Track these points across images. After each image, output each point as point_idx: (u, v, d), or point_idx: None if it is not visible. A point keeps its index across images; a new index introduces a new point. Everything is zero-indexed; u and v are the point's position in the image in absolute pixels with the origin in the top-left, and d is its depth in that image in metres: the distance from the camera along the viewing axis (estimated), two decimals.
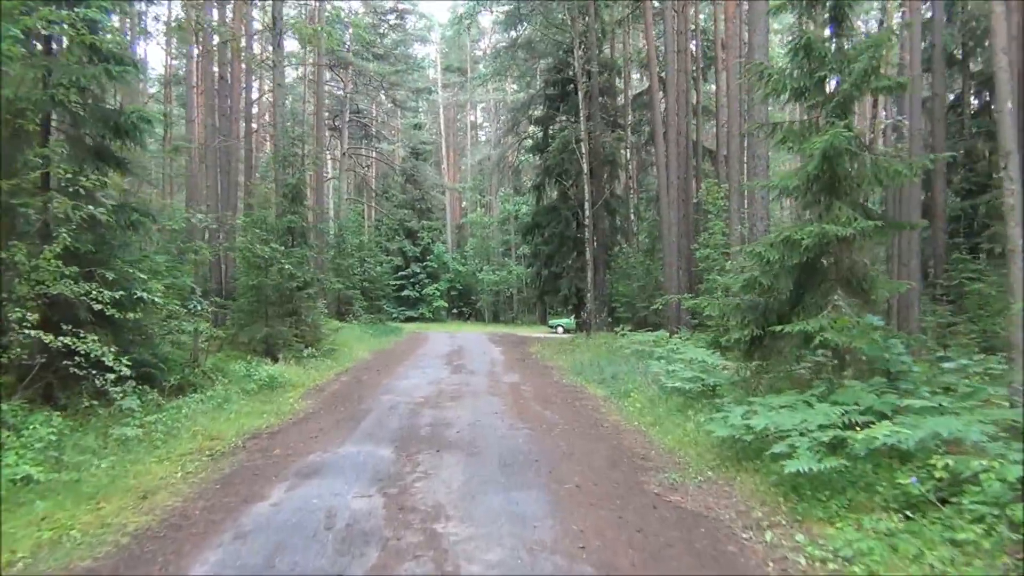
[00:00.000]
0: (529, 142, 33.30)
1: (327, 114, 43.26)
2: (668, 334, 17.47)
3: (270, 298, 16.17)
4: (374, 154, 46.39)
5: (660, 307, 17.91)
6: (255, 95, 32.98)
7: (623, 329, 21.93)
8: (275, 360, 15.68)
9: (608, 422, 9.94)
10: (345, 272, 32.86)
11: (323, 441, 8.59)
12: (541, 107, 31.43)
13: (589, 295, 21.33)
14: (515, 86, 51.43)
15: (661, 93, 23.64)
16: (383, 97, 44.81)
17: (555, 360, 18.93)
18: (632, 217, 31.07)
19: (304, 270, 18.50)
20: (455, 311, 55.55)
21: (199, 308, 12.91)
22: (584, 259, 29.05)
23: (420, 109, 56.01)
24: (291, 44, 42.58)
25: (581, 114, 23.78)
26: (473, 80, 52.34)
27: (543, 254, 30.69)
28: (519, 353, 22.16)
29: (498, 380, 14.67)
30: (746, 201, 13.82)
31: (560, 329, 43.21)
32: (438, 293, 52.28)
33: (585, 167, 21.71)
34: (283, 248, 16.33)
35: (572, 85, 29.46)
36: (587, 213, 21.49)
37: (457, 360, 19.24)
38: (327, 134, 43.24)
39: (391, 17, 42.61)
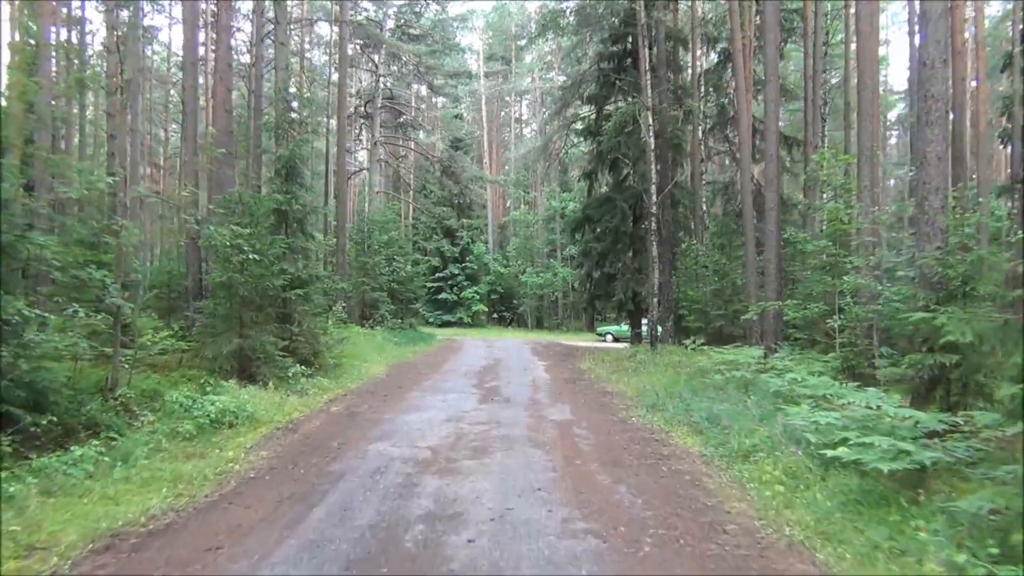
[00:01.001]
0: (579, 125, 29.17)
1: (357, 100, 39.87)
2: (764, 351, 13.31)
3: (246, 300, 12.38)
4: (411, 144, 42.68)
5: (754, 316, 13.71)
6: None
7: (695, 342, 17.86)
8: (250, 381, 11.93)
9: (731, 518, 5.82)
10: (371, 272, 29.21)
11: (218, 564, 4.71)
12: (594, 85, 27.32)
13: (654, 300, 17.25)
14: (562, 77, 47.55)
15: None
16: (417, 82, 41.04)
17: (616, 383, 14.85)
18: (703, 209, 26.74)
19: (299, 265, 14.77)
20: (495, 316, 51.75)
21: (122, 308, 9.12)
22: (643, 258, 24.91)
23: (460, 99, 52.30)
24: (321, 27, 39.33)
25: (646, 82, 19.63)
26: (520, 47, 48.38)
27: (594, 253, 26.59)
28: (568, 370, 18.13)
29: (542, 416, 10.65)
30: (914, 166, 9.60)
31: (609, 337, 39.37)
32: (477, 296, 48.58)
33: (651, 142, 17.53)
34: (258, 235, 12.50)
35: (630, 59, 25.37)
36: (653, 199, 17.35)
37: (490, 380, 15.29)
38: (359, 122, 39.83)
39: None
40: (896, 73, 66.18)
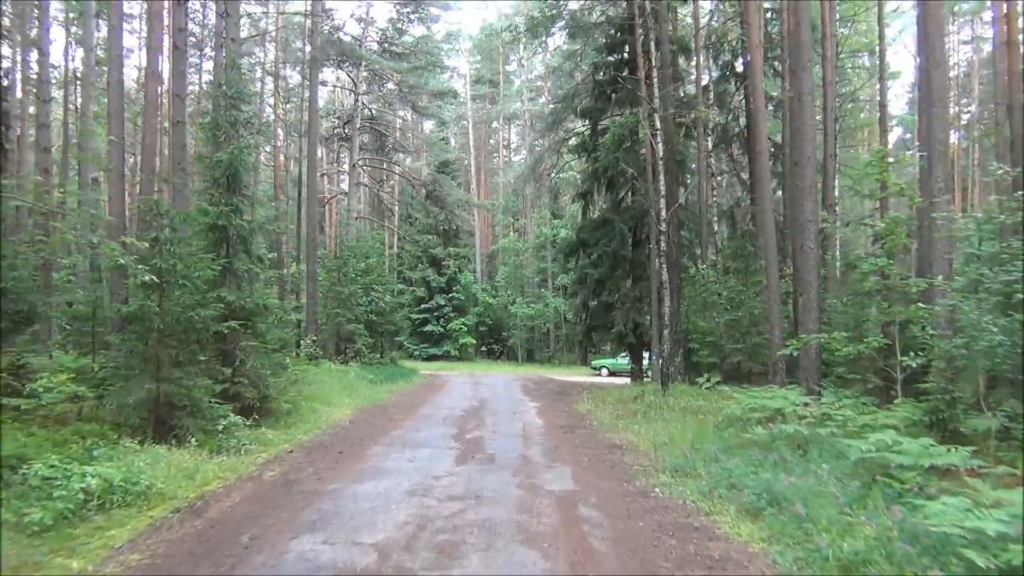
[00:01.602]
0: (573, 141, 26.96)
1: (336, 121, 37.73)
2: (807, 392, 10.90)
3: (165, 335, 9.87)
4: (396, 169, 40.38)
5: (793, 351, 11.27)
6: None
7: (709, 380, 15.46)
8: (169, 438, 9.42)
9: None
10: (346, 302, 26.71)
11: None
12: (588, 98, 25.18)
13: (665, 332, 14.79)
14: (551, 105, 45.66)
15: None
16: (402, 105, 38.90)
17: (624, 432, 12.35)
18: (714, 230, 24.52)
19: (241, 292, 12.31)
20: (484, 348, 49.25)
21: None
22: (644, 286, 22.67)
23: (446, 123, 50.22)
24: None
25: (650, 84, 17.42)
26: (509, 72, 46.45)
27: (590, 280, 24.23)
28: (564, 414, 15.64)
29: (536, 486, 8.15)
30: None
31: (604, 371, 36.93)
32: (465, 328, 46.13)
33: (660, 148, 15.17)
34: (179, 254, 10.00)
35: (627, 69, 23.26)
36: (663, 215, 14.95)
37: (473, 429, 12.77)
38: (338, 145, 37.61)
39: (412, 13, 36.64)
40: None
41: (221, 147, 12.40)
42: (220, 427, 9.99)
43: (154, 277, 9.32)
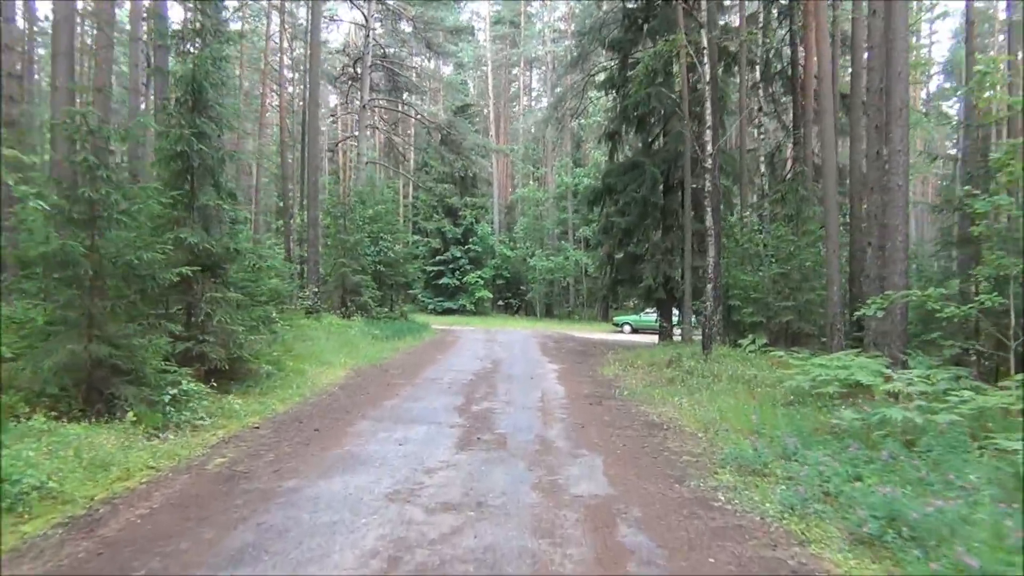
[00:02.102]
0: (600, 77, 24.52)
1: (345, 59, 35.39)
2: (890, 362, 8.81)
3: (99, 283, 7.93)
4: (410, 111, 38.02)
5: (876, 311, 9.13)
6: None
7: (755, 342, 13.44)
8: (102, 413, 7.56)
9: None
10: (351, 251, 24.74)
11: None
12: (617, 29, 22.71)
13: (709, 287, 12.62)
14: (572, 41, 42.84)
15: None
16: (417, 44, 36.37)
17: (662, 405, 10.33)
18: (762, 174, 22.22)
19: (212, 235, 10.35)
20: (501, 303, 47.35)
21: None
22: (675, 236, 20.60)
23: (464, 65, 47.58)
24: None
25: (691, 14, 15.01)
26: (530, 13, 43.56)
27: (617, 229, 22.04)
28: (589, 380, 13.65)
29: (558, 486, 6.18)
30: None
31: (627, 328, 35.07)
32: (481, 282, 44.17)
33: (706, 70, 12.75)
34: (117, 182, 7.97)
35: None
36: (708, 151, 12.65)
37: (482, 399, 10.83)
38: (347, 85, 35.32)
39: None
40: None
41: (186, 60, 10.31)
42: (167, 398, 8.08)
43: (120, 216, 7.32)
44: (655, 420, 9.30)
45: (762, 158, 22.97)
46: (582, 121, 39.32)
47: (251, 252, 10.97)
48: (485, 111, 53.05)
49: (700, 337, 20.37)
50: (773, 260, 16.21)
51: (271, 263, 17.36)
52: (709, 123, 12.70)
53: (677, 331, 21.70)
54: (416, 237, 48.47)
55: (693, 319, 18.60)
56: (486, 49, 52.02)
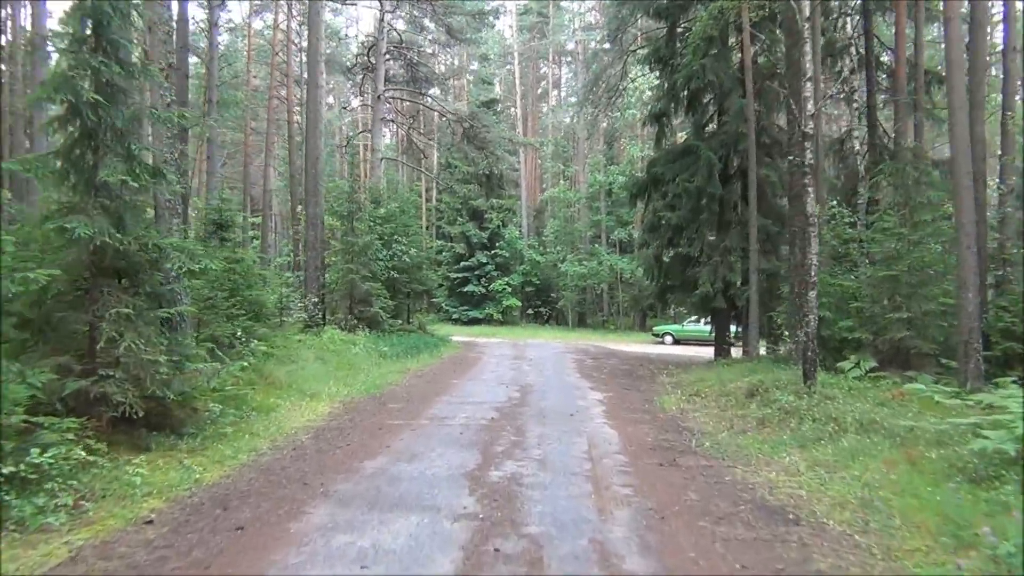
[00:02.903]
0: (643, 52, 21.31)
1: (358, 48, 32.62)
2: None
3: None
4: (431, 104, 35.07)
5: None
6: None
7: (860, 365, 10.20)
8: None
9: None
10: (359, 255, 21.74)
11: None
12: None
13: (811, 293, 9.23)
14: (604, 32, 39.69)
15: None
16: (436, 29, 33.44)
17: (769, 468, 6.98)
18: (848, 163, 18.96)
19: (129, 228, 7.33)
20: (530, 312, 44.20)
21: None
22: (737, 234, 17.36)
23: (488, 56, 44.60)
24: None
25: None
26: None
27: (665, 226, 18.81)
28: (649, 420, 10.29)
29: None
30: None
31: (668, 338, 31.97)
32: (509, 289, 41.10)
33: (806, 7, 9.41)
34: None
35: None
36: (808, 110, 9.34)
37: (504, 458, 7.55)
38: (360, 76, 32.51)
39: None
40: None
41: None
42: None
43: None
44: (770, 501, 6.04)
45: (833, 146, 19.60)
46: (617, 113, 36.02)
47: (178, 249, 7.86)
48: (512, 110, 50.15)
49: (766, 352, 17.11)
50: (871, 259, 12.87)
51: (253, 267, 14.52)
52: (809, 73, 9.43)
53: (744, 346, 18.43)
54: (440, 242, 45.64)
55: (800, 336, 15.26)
56: (513, 41, 49.05)
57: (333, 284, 22.21)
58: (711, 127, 19.27)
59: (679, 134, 21.22)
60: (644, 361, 20.37)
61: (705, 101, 18.96)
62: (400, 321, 23.91)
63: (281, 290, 22.10)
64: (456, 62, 51.02)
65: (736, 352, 19.05)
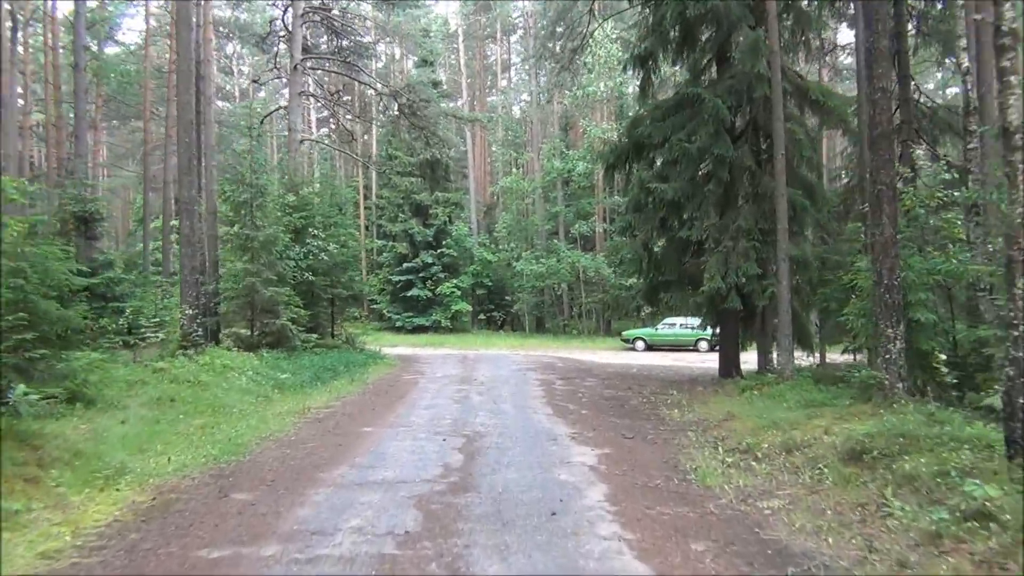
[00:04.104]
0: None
1: (274, 7, 27.65)
2: None
3: None
4: (360, 77, 30.06)
5: None
6: None
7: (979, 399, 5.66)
8: None
9: None
10: (260, 253, 16.86)
11: None
12: None
13: (886, 297, 4.85)
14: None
15: None
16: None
17: None
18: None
19: None
20: (482, 317, 39.50)
21: None
22: (748, 212, 13.05)
23: (428, 28, 39.80)
24: None
25: None
26: None
27: (656, 204, 14.29)
28: (693, 513, 5.60)
29: None
30: None
31: (640, 344, 27.85)
32: (458, 292, 36.33)
33: None
34: None
35: None
36: None
37: None
38: (275, 47, 27.52)
39: None
40: None
41: None
42: None
43: None
44: None
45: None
46: (582, 77, 31.52)
47: None
48: (459, 100, 45.49)
49: (792, 366, 12.71)
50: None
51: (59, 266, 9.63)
52: None
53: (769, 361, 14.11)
54: (381, 241, 40.73)
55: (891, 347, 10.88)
56: (457, 21, 44.35)
57: (229, 290, 17.29)
58: (708, 75, 14.89)
59: (666, 91, 16.80)
60: (628, 379, 15.89)
61: (703, 38, 14.53)
62: (317, 336, 19.03)
63: (154, 301, 17.16)
64: (396, 50, 46.27)
65: (746, 365, 14.79)
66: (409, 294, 36.82)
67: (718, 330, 15.28)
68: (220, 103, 40.37)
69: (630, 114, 18.83)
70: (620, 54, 34.73)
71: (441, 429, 9.34)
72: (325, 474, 6.98)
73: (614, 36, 34.18)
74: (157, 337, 14.05)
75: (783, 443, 7.44)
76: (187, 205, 14.10)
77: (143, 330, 13.35)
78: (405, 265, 37.18)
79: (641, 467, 7.21)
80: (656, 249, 15.00)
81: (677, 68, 16.50)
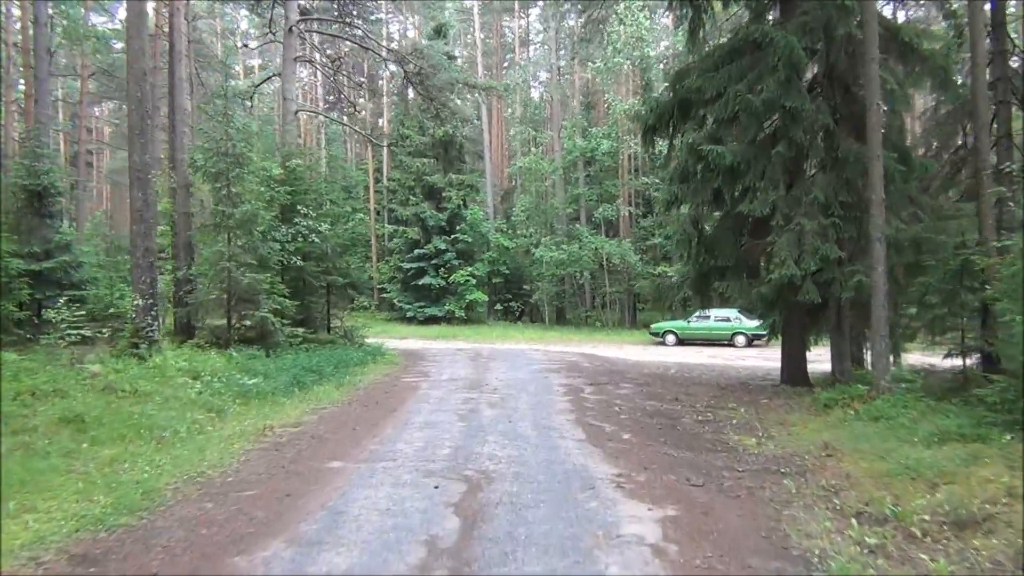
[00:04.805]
0: None
1: None
2: None
3: None
4: (359, 36, 27.48)
5: None
6: None
7: None
8: None
9: None
10: (238, 232, 14.46)
11: None
12: None
13: None
14: None
15: None
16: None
17: None
18: None
19: None
20: (499, 307, 36.95)
21: None
22: (826, 183, 10.42)
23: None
24: None
25: None
26: None
27: (708, 172, 11.63)
28: None
29: None
30: None
31: (671, 338, 25.37)
32: (473, 281, 33.84)
33: None
34: None
35: None
36: None
37: None
38: (270, 10, 25.03)
39: None
40: None
41: None
42: None
43: None
44: None
45: None
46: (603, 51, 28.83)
47: None
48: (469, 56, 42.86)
49: (889, 375, 10.04)
50: None
51: None
52: None
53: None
54: (391, 227, 38.33)
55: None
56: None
57: (203, 276, 14.93)
58: (774, 14, 12.22)
59: (717, 39, 14.10)
60: (669, 384, 13.32)
61: None
62: (308, 330, 16.61)
63: (109, 289, 14.80)
64: (410, 30, 43.65)
65: (812, 363, 12.20)
66: (421, 282, 34.48)
67: (780, 328, 12.61)
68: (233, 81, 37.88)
69: (661, 83, 16.00)
70: (647, 22, 32.08)
71: (435, 466, 6.84)
72: (244, 559, 4.50)
73: (640, 5, 31.53)
74: (103, 333, 11.64)
75: (946, 511, 4.87)
76: (139, 172, 11.61)
77: (83, 326, 10.95)
78: (416, 252, 34.84)
79: (731, 548, 4.66)
80: (705, 229, 12.36)
81: (732, 11, 13.73)
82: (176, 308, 16.34)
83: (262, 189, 15.63)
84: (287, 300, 15.35)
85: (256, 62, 46.35)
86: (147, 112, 11.79)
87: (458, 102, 30.41)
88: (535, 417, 9.48)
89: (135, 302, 11.57)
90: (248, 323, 14.43)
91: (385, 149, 40.12)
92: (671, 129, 12.60)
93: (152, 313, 11.81)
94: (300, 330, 15.66)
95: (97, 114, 47.31)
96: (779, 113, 10.57)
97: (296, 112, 22.46)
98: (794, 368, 12.27)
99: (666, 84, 14.24)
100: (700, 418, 9.53)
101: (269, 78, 26.23)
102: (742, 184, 11.33)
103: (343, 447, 7.73)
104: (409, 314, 34.94)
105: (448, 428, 8.71)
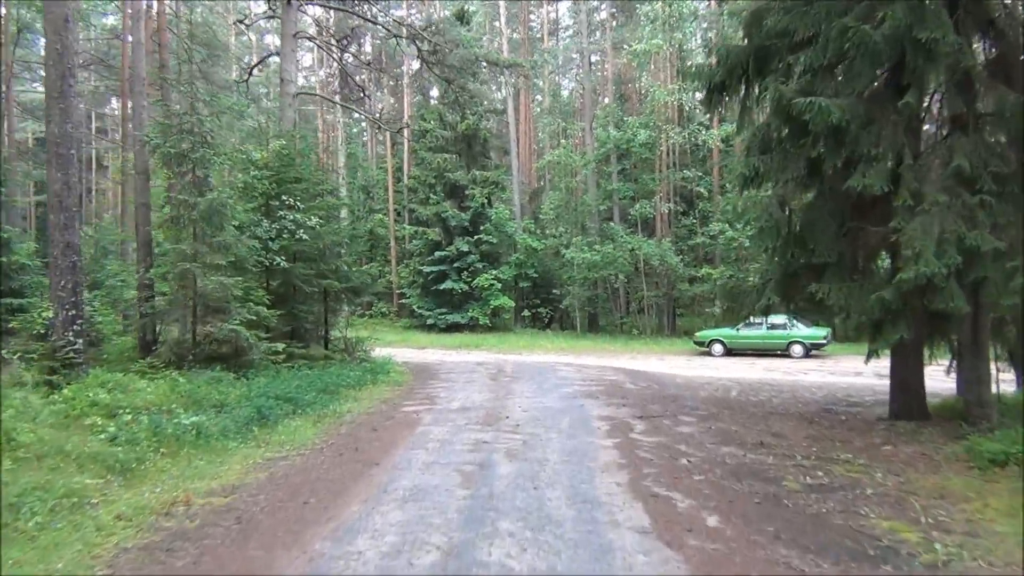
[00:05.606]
0: None
1: None
2: None
3: None
4: (373, 13, 24.84)
5: None
6: None
7: None
8: None
9: None
10: (203, 226, 11.83)
11: None
12: None
13: None
14: None
15: None
16: None
17: None
18: None
19: None
20: (527, 313, 34.11)
21: None
22: (962, 146, 7.18)
23: None
24: None
25: None
26: None
27: (795, 140, 8.71)
28: None
29: None
30: None
31: (718, 347, 22.37)
32: (498, 285, 31.08)
33: None
34: None
35: None
36: None
37: None
38: None
39: None
40: None
41: None
42: None
43: None
44: None
45: None
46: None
47: None
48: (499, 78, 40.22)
49: None
50: None
51: None
52: None
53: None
54: (411, 227, 35.75)
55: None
56: None
57: (167, 276, 12.33)
58: None
59: None
60: (739, 415, 10.38)
61: None
62: (295, 343, 13.92)
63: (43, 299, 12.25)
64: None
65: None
66: (442, 287, 31.88)
67: (891, 348, 9.57)
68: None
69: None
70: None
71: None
72: None
73: None
74: (13, 355, 9.04)
75: None
76: (58, 147, 8.99)
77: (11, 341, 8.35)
78: (437, 254, 32.23)
79: None
80: (795, 213, 9.39)
81: None
82: (142, 319, 13.76)
83: (238, 175, 12.96)
84: (267, 309, 12.66)
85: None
86: (69, 70, 9.15)
87: (480, 87, 27.60)
88: (571, 479, 6.62)
89: (50, 315, 8.90)
90: (215, 336, 11.77)
91: (406, 147, 37.59)
92: (745, 86, 9.66)
93: (75, 328, 9.14)
94: (281, 345, 12.92)
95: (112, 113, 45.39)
96: (909, 49, 7.60)
97: (296, 95, 19.85)
98: (910, 397, 9.29)
99: (718, 48, 11.20)
100: (810, 480, 6.60)
101: (266, 58, 23.63)
102: (849, 151, 8.34)
103: (272, 549, 4.92)
104: (430, 321, 32.33)
105: (443, 502, 5.88)
